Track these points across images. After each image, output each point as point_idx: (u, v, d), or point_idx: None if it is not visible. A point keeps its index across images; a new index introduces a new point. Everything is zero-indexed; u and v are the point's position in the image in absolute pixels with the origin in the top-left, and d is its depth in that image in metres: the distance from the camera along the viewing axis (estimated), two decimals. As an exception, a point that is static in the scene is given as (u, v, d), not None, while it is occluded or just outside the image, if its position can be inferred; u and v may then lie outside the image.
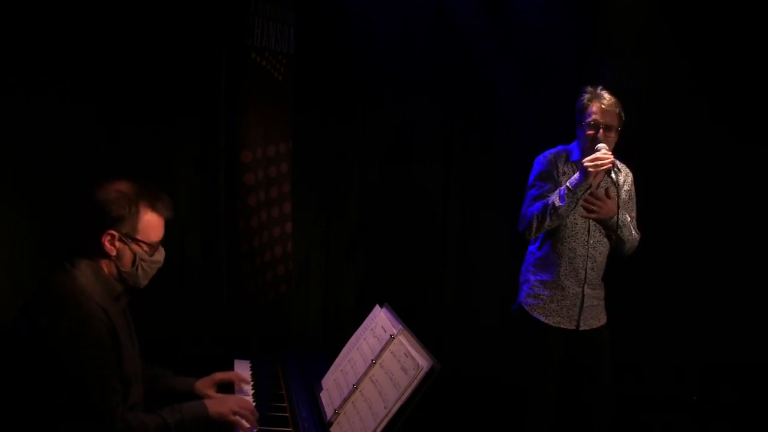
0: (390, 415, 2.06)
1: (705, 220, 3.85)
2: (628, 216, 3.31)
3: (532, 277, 3.36)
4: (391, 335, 2.33)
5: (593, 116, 3.18)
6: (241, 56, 3.50)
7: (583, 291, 3.28)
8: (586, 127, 3.20)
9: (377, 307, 2.64)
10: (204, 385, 2.53)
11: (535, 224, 3.18)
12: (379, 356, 2.31)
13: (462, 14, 4.43)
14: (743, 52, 4.00)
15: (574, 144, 3.36)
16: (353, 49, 4.23)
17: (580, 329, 3.31)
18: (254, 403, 2.47)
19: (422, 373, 2.05)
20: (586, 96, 3.23)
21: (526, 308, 3.35)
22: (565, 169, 3.29)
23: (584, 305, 3.29)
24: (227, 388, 2.62)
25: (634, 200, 3.39)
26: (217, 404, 2.27)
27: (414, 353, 2.15)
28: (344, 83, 4.23)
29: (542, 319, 3.30)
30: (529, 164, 3.42)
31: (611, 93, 3.22)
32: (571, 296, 3.28)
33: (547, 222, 3.16)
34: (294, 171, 3.86)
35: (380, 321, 2.50)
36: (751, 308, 4.10)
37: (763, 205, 3.87)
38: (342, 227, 4.40)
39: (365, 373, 2.31)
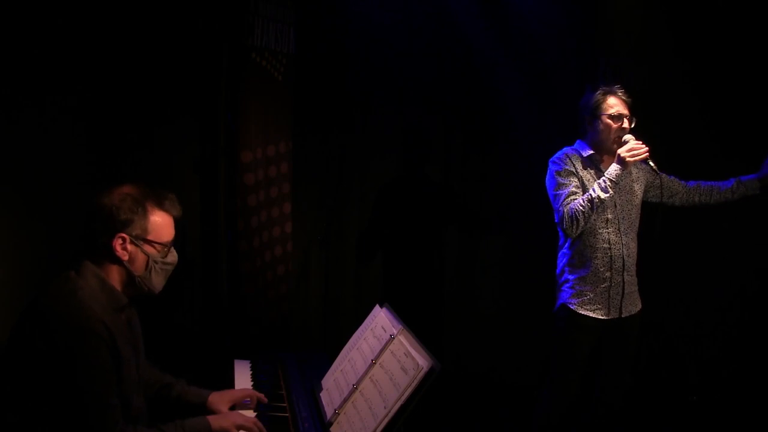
0: (390, 415, 2.06)
1: (704, 221, 3.85)
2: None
3: (570, 276, 3.35)
4: (391, 335, 2.33)
5: (615, 108, 3.24)
6: (241, 56, 3.50)
7: (623, 278, 3.30)
8: (606, 119, 3.25)
9: (377, 307, 2.63)
10: (218, 400, 2.45)
11: (581, 219, 3.19)
12: (379, 356, 2.31)
13: (462, 14, 4.43)
14: (743, 52, 4.00)
15: (578, 143, 3.38)
16: (353, 49, 4.24)
17: (623, 316, 3.32)
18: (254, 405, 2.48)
19: (422, 373, 2.05)
20: (600, 92, 3.29)
21: (571, 307, 3.32)
22: (580, 166, 3.32)
23: (625, 292, 3.31)
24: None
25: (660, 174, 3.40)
26: (221, 419, 2.26)
27: (414, 353, 2.15)
28: (344, 83, 4.24)
29: (590, 314, 3.29)
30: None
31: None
32: (614, 286, 3.29)
33: (593, 216, 3.21)
34: (294, 171, 3.86)
35: (380, 321, 2.50)
36: (750, 308, 4.10)
37: (763, 206, 3.86)
38: (342, 227, 4.40)
39: (365, 373, 2.31)
